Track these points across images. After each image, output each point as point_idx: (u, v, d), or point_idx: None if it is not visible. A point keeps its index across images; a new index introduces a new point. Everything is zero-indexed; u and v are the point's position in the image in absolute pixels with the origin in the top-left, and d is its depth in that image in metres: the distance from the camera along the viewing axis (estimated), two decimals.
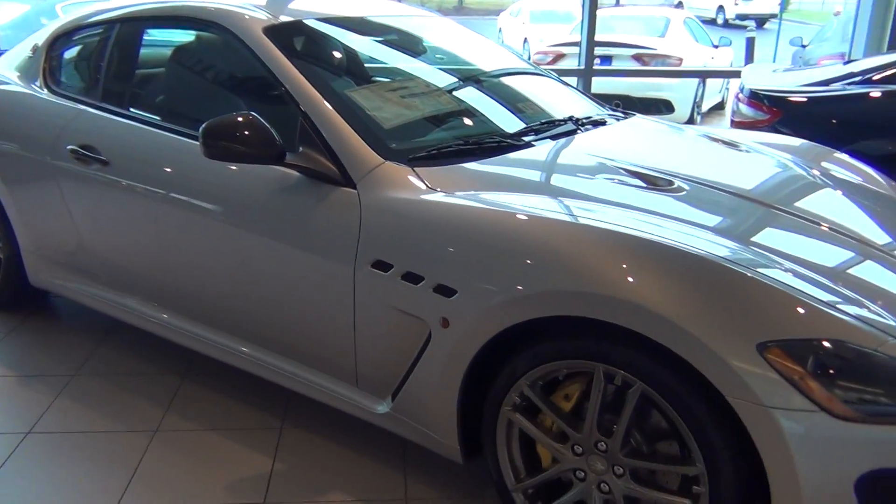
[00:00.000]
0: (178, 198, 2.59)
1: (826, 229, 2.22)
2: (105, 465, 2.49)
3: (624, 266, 1.80)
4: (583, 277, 1.81)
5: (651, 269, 1.78)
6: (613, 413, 1.92)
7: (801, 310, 1.72)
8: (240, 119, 2.21)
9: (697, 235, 1.97)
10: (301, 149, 2.28)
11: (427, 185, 2.18)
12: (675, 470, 1.83)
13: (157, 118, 2.82)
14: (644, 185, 2.31)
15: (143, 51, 3.08)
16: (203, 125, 2.23)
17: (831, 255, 2.08)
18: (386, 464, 2.50)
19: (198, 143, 2.25)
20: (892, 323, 1.78)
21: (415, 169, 2.23)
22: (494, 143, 2.48)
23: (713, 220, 2.14)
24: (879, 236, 2.27)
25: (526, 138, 2.59)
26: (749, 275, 1.77)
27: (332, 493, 2.37)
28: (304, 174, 2.29)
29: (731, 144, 2.98)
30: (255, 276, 2.44)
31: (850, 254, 2.10)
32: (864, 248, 2.15)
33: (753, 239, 2.05)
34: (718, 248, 1.90)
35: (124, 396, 2.89)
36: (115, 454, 2.54)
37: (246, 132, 2.20)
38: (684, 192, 2.29)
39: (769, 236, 2.10)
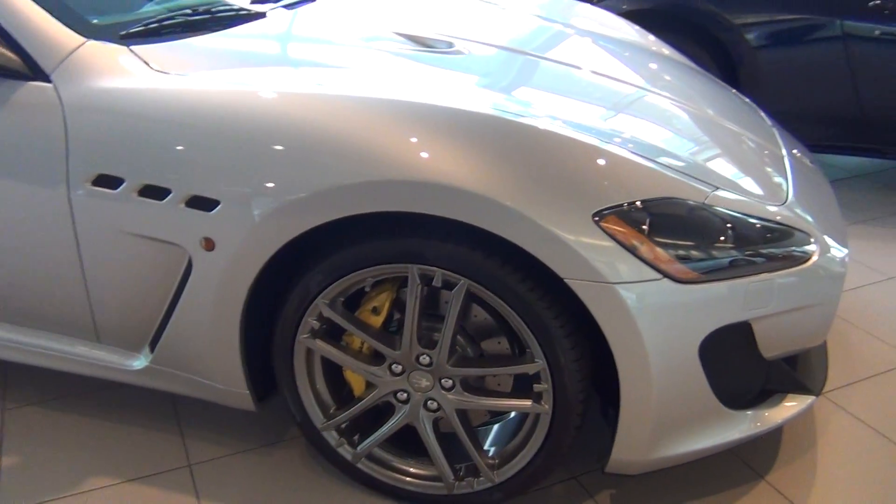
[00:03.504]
0: None
1: (619, 82, 2.04)
2: None
3: (432, 142, 1.46)
4: (375, 163, 1.45)
5: (456, 141, 1.46)
6: (430, 320, 1.63)
7: (629, 170, 1.52)
8: None
9: (499, 100, 1.68)
10: None
11: (152, 68, 1.64)
12: (513, 371, 1.59)
13: None
14: (422, 48, 1.96)
15: None
16: None
17: (634, 108, 1.91)
18: (155, 430, 2.02)
19: None
20: (708, 170, 1.65)
21: (131, 48, 1.67)
22: (231, 13, 1.96)
23: (506, 81, 1.87)
24: (636, 79, 2.14)
25: (267, 6, 2.10)
26: (571, 137, 1.53)
27: (91, 479, 1.86)
28: None
29: (493, 4, 2.72)
30: None
31: (651, 105, 1.95)
32: (646, 95, 2.00)
33: (554, 97, 1.81)
34: (523, 109, 1.64)
35: None
36: None
37: None
38: (468, 54, 1.98)
39: (571, 93, 1.88)
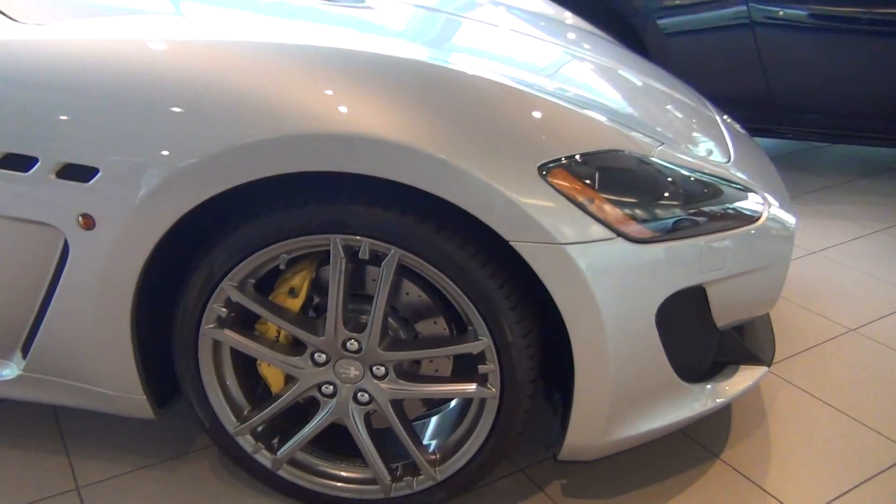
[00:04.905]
0: None
1: (544, 42, 1.91)
2: None
3: (348, 89, 1.27)
4: (278, 117, 1.23)
5: (377, 88, 1.27)
6: (355, 301, 1.44)
7: (573, 121, 1.38)
8: None
9: (420, 51, 1.50)
10: None
11: (12, 18, 1.38)
12: (455, 351, 1.40)
13: None
14: (329, 1, 1.77)
15: None
16: None
17: (564, 66, 1.78)
18: (36, 449, 1.73)
19: None
20: (650, 125, 1.53)
21: None
22: None
23: (427, 35, 1.70)
24: (559, 42, 2.02)
25: None
26: (508, 85, 1.37)
27: None
28: None
29: None
30: None
31: (578, 64, 1.82)
32: (572, 57, 1.87)
33: (480, 52, 1.65)
34: (448, 59, 1.47)
35: None
36: None
37: None
38: (381, 9, 1.80)
39: (497, 49, 1.73)
